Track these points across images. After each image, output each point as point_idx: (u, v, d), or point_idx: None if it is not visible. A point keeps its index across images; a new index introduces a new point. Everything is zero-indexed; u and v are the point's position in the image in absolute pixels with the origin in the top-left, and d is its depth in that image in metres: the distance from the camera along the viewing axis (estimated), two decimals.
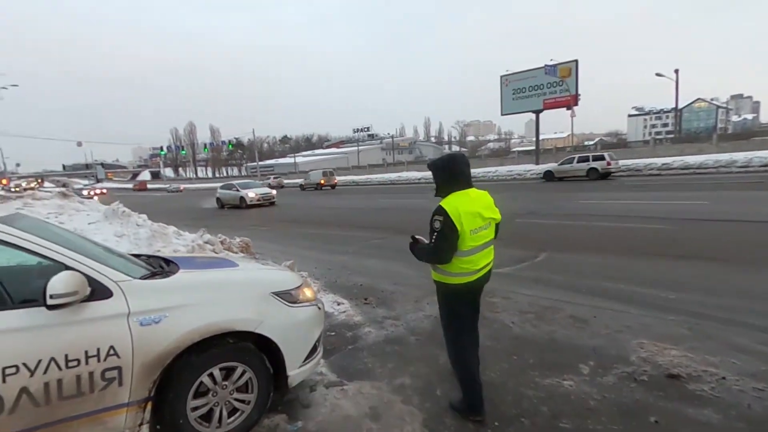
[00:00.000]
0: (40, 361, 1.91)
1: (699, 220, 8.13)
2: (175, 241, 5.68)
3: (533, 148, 37.22)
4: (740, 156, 19.43)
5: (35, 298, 2.00)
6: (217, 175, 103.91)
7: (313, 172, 37.08)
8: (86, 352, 2.01)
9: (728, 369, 2.87)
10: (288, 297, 2.74)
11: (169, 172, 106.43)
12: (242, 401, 2.52)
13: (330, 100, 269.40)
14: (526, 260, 6.11)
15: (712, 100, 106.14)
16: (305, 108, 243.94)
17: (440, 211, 2.44)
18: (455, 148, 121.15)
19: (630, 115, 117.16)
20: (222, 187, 22.32)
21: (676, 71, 31.98)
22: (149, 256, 3.24)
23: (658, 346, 3.24)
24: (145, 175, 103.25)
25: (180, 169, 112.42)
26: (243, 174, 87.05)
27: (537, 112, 29.51)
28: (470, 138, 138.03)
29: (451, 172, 2.58)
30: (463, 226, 2.41)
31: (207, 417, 2.41)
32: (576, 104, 27.64)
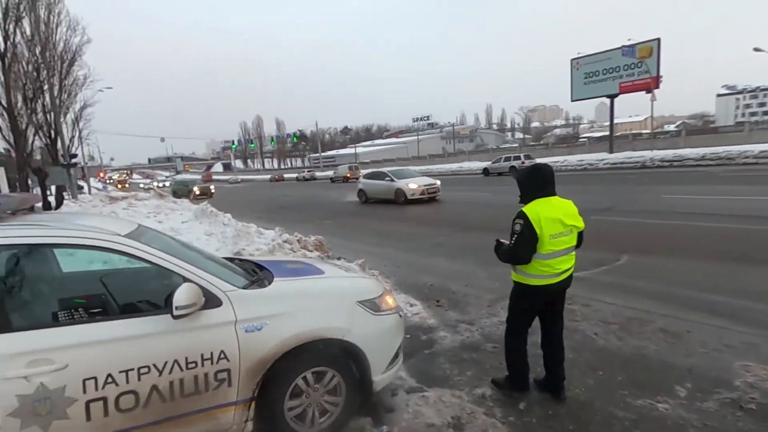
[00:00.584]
0: (166, 363, 2.16)
1: None
2: (257, 240, 6.08)
3: (605, 133, 34.86)
4: None
5: (159, 306, 2.26)
6: (282, 166, 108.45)
7: (341, 166, 44.72)
8: (202, 356, 2.24)
9: None
10: (372, 306, 2.85)
11: (239, 163, 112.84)
12: (332, 403, 2.68)
13: (390, 89, 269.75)
14: (606, 263, 5.81)
15: None
16: (365, 98, 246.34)
17: (521, 215, 2.67)
18: (518, 136, 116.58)
19: (719, 95, 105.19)
20: (368, 176, 17.79)
21: None
22: (242, 260, 3.51)
23: (766, 371, 2.96)
24: (218, 167, 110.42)
25: (248, 160, 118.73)
26: (306, 165, 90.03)
27: (612, 97, 27.51)
28: (535, 124, 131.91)
29: (535, 181, 2.80)
30: (542, 231, 2.62)
31: (301, 417, 2.58)
32: (657, 87, 25.35)
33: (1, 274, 2.06)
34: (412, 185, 15.18)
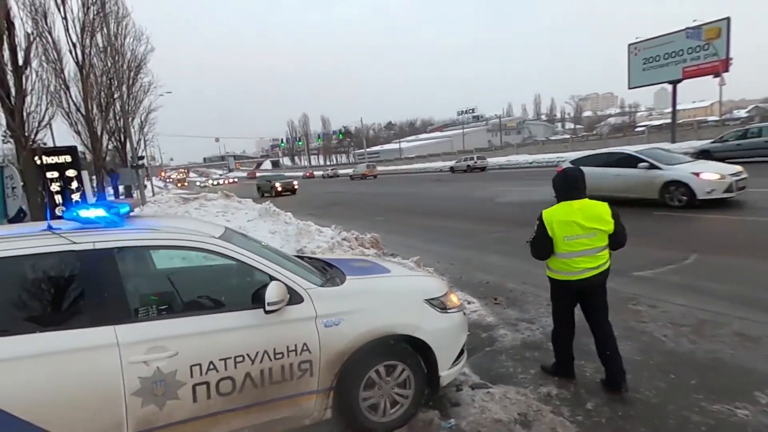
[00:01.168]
0: (257, 353, 2.39)
1: None
2: (317, 238, 6.38)
3: (665, 121, 32.71)
4: None
5: (248, 301, 2.50)
6: (328, 162, 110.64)
7: (359, 165, 48.66)
8: (287, 347, 2.46)
9: None
10: (439, 304, 2.97)
11: (286, 161, 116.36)
12: (402, 395, 2.83)
13: (434, 82, 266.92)
14: (673, 262, 5.57)
15: None
16: (409, 94, 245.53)
17: (539, 217, 3.06)
18: (569, 126, 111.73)
19: None
20: (585, 161, 10.35)
21: None
22: (311, 258, 3.74)
23: None
24: (267, 164, 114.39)
25: (295, 157, 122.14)
26: (351, 161, 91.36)
27: (674, 83, 25.71)
28: (587, 113, 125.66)
29: (563, 184, 3.08)
30: (554, 233, 2.95)
31: (374, 407, 2.75)
32: (726, 70, 23.40)
33: (123, 272, 2.36)
34: (710, 175, 8.70)
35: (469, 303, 4.94)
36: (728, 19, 22.95)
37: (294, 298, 2.53)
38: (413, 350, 2.84)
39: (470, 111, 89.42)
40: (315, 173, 66.90)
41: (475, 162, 33.58)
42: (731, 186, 8.60)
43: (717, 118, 35.94)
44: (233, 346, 2.36)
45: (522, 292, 5.16)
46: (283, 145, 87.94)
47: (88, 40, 16.25)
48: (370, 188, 28.06)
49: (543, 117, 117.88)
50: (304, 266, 3.14)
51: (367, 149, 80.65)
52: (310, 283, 2.67)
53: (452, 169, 35.77)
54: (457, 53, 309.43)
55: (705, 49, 23.88)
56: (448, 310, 3.00)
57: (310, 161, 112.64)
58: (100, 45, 17.68)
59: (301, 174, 62.98)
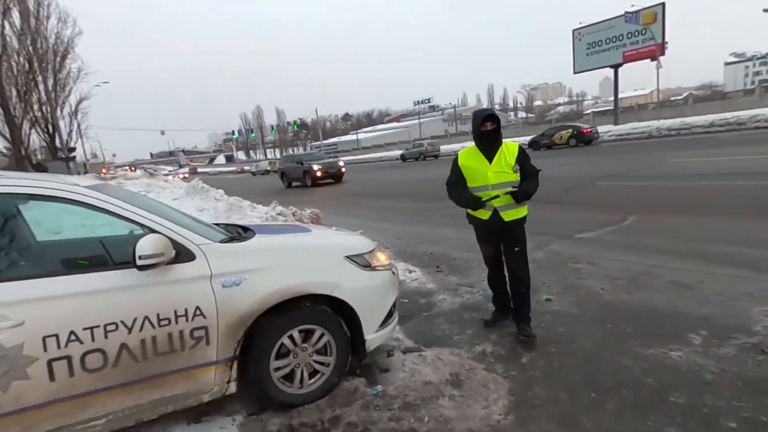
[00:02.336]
0: (135, 319, 2.00)
1: None
2: (250, 213, 5.92)
3: (610, 108, 34.19)
4: None
5: (123, 260, 2.09)
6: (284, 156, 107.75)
7: (261, 162, 51.09)
8: (175, 312, 2.08)
9: None
10: (362, 261, 2.67)
11: (241, 155, 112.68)
12: (322, 363, 2.53)
13: (389, 74, 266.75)
14: (612, 224, 5.58)
15: None
16: (365, 85, 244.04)
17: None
18: (522, 115, 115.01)
19: (727, 63, 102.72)
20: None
21: None
22: (227, 225, 3.34)
23: None
24: (220, 159, 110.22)
25: (251, 151, 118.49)
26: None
27: (616, 67, 26.78)
28: (538, 102, 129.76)
29: None
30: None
31: (289, 377, 2.44)
32: (662, 54, 24.59)
33: None
34: None
35: (410, 272, 4.71)
36: (663, 4, 24.07)
37: (183, 255, 2.15)
38: (333, 312, 2.54)
39: (426, 101, 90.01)
40: (244, 167, 65.74)
41: (427, 149, 32.82)
42: None
43: (655, 103, 37.84)
44: (101, 312, 1.96)
45: (465, 260, 4.99)
46: (235, 137, 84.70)
47: (0, 19, 14.67)
48: None
49: (496, 106, 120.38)
50: (204, 224, 2.77)
51: (325, 141, 79.34)
52: (204, 239, 2.29)
53: (403, 158, 34.16)
54: (413, 45, 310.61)
55: (643, 33, 24.97)
56: (374, 268, 2.72)
57: (265, 154, 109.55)
58: (17, 25, 16.05)
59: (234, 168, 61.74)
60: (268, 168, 42.66)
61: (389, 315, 2.80)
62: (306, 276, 2.44)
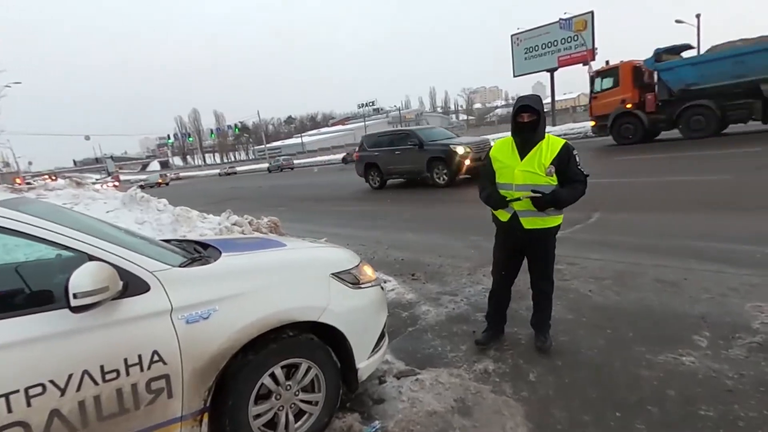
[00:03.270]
0: (71, 376, 1.51)
1: (764, 169, 7.46)
2: (200, 225, 5.28)
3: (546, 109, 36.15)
4: None
5: (56, 299, 1.59)
6: (225, 161, 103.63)
7: (151, 175, 50.25)
8: (126, 361, 1.61)
9: None
10: (350, 278, 2.32)
11: (177, 160, 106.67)
12: (309, 402, 2.14)
13: (333, 77, 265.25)
14: (579, 222, 5.59)
15: None
16: (308, 87, 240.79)
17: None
18: (463, 117, 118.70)
19: None
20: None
21: (698, 16, 30.16)
22: (181, 241, 2.83)
23: None
24: (154, 165, 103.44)
25: (188, 157, 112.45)
26: (251, 158, 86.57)
27: (552, 71, 28.23)
28: (477, 105, 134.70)
29: None
30: None
31: (272, 424, 2.03)
32: (593, 59, 26.19)
33: None
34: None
35: (385, 282, 4.38)
36: (592, 12, 25.71)
37: (133, 286, 1.69)
38: (321, 340, 2.15)
39: (370, 104, 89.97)
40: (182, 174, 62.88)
41: (283, 163, 32.99)
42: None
43: (584, 106, 40.42)
44: (21, 371, 1.45)
45: (440, 265, 4.75)
46: (170, 142, 79.67)
47: None
48: (270, 181, 26.47)
49: (438, 109, 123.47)
50: (157, 243, 2.27)
51: (268, 144, 76.91)
52: (160, 263, 1.82)
53: (344, 160, 33.28)
54: (356, 48, 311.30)
55: (575, 39, 26.51)
56: (362, 285, 2.36)
57: (204, 160, 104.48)
58: None
59: (209, 172, 58.06)
60: (160, 180, 43.61)
61: (381, 337, 2.46)
62: (288, 301, 2.04)
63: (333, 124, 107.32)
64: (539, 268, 2.67)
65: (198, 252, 2.34)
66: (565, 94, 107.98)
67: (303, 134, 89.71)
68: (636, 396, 2.17)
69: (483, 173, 2.73)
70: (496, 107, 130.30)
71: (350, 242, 6.31)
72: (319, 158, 50.82)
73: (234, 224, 5.36)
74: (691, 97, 12.46)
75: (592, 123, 15.14)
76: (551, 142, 2.47)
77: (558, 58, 27.52)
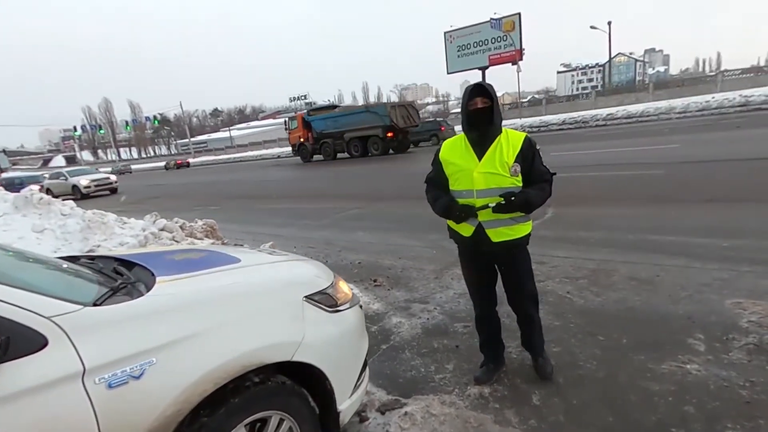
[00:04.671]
0: None
1: (687, 163, 8.00)
2: (119, 232, 4.39)
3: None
4: (678, 102, 20.33)
5: None
6: (143, 156, 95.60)
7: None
8: None
9: None
10: (326, 300, 1.85)
11: (87, 155, 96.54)
12: None
13: (262, 69, 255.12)
14: (535, 219, 5.49)
15: (630, 54, 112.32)
16: (236, 79, 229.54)
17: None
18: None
19: (559, 72, 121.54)
20: None
21: (609, 23, 32.87)
22: (94, 258, 2.16)
23: (761, 305, 2.73)
24: (59, 161, 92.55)
25: (99, 151, 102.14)
26: (173, 153, 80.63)
27: (483, 69, 29.10)
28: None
29: None
30: None
31: None
32: (521, 59, 27.45)
33: None
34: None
35: None
36: (519, 14, 26.84)
37: (18, 341, 1.11)
38: (294, 384, 1.67)
39: (303, 97, 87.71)
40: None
41: (178, 161, 30.97)
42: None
43: (509, 103, 42.39)
44: None
45: (402, 269, 4.39)
46: (77, 134, 71.28)
47: None
48: (198, 177, 24.61)
49: None
50: (59, 268, 1.65)
51: (193, 138, 71.94)
52: (64, 301, 1.25)
53: (166, 167, 32.91)
54: (287, 40, 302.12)
55: (504, 39, 27.52)
56: (340, 307, 1.91)
57: (119, 154, 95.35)
58: None
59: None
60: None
61: (363, 368, 2.03)
62: (254, 339, 1.54)
63: (263, 118, 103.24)
64: (517, 286, 2.27)
65: (120, 275, 1.75)
66: None
67: (231, 128, 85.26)
68: (654, 417, 1.95)
69: (430, 182, 2.31)
70: (427, 104, 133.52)
71: (296, 244, 5.77)
72: (250, 153, 48.48)
73: (162, 230, 4.55)
74: (322, 137, 22.93)
75: (292, 149, 25.78)
76: (511, 137, 2.11)
77: (489, 56, 28.42)
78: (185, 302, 1.49)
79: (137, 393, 1.24)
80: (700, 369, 2.23)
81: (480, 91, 2.05)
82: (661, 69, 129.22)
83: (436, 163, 2.24)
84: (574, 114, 24.11)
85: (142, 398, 1.26)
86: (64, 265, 1.76)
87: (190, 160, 45.51)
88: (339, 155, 23.10)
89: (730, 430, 1.82)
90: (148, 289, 1.52)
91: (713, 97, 19.36)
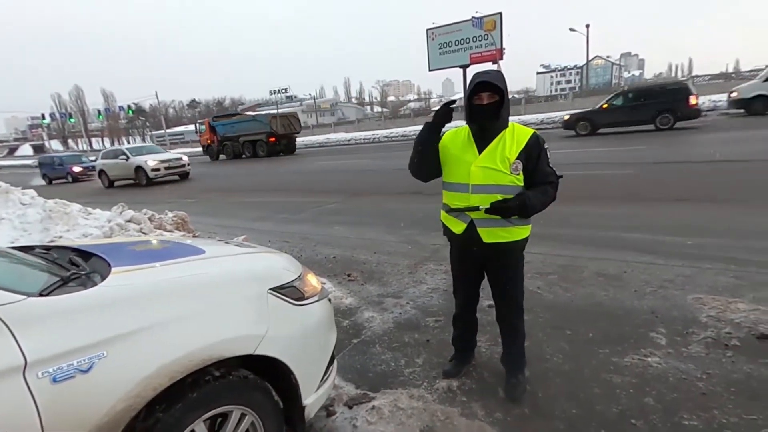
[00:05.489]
0: None
1: (659, 164, 8.22)
2: (83, 222, 4.22)
3: (453, 106, 37.64)
4: None
5: None
6: (117, 145, 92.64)
7: None
8: None
9: None
10: (293, 293, 1.82)
11: (56, 144, 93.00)
12: None
13: (242, 61, 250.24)
14: None
15: (607, 57, 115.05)
16: (214, 70, 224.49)
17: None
18: (377, 109, 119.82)
19: (538, 73, 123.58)
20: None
21: (587, 26, 33.52)
22: (49, 248, 2.07)
23: (719, 301, 2.83)
24: (25, 150, 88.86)
25: (69, 140, 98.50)
26: (147, 143, 78.14)
27: (464, 67, 29.19)
28: (391, 98, 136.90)
29: None
30: None
31: None
32: (501, 58, 27.65)
33: None
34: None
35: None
36: (500, 13, 26.99)
37: None
38: (258, 377, 1.64)
39: (283, 90, 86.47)
40: None
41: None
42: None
43: None
44: None
45: (377, 263, 4.37)
46: (45, 122, 68.42)
47: None
48: None
49: (354, 100, 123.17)
50: (6, 255, 1.57)
51: (168, 129, 70.09)
52: (4, 291, 1.18)
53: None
54: (268, 33, 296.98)
55: (485, 38, 27.68)
56: (308, 300, 1.88)
57: (90, 144, 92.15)
58: None
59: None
60: None
61: (331, 362, 2.01)
62: (214, 332, 1.50)
63: (243, 110, 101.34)
64: (504, 292, 2.15)
65: (75, 265, 1.67)
66: None
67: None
68: (616, 408, 1.99)
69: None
70: (409, 101, 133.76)
71: (271, 239, 5.69)
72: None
73: (129, 221, 4.40)
74: (224, 140, 25.73)
75: (202, 149, 28.54)
76: (517, 132, 1.97)
77: (470, 55, 28.53)
78: (140, 293, 1.43)
79: (85, 387, 1.19)
80: (661, 362, 2.29)
81: (485, 85, 1.88)
82: (637, 73, 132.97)
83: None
84: (552, 114, 24.47)
85: (91, 393, 1.20)
86: (13, 254, 1.67)
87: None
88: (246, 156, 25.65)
89: (687, 421, 1.87)
90: (102, 279, 1.46)
91: None
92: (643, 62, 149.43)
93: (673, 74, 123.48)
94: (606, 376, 2.23)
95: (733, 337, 2.43)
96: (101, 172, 16.51)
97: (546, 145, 1.98)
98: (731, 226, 4.24)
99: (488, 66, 28.76)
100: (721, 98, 18.54)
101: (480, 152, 1.95)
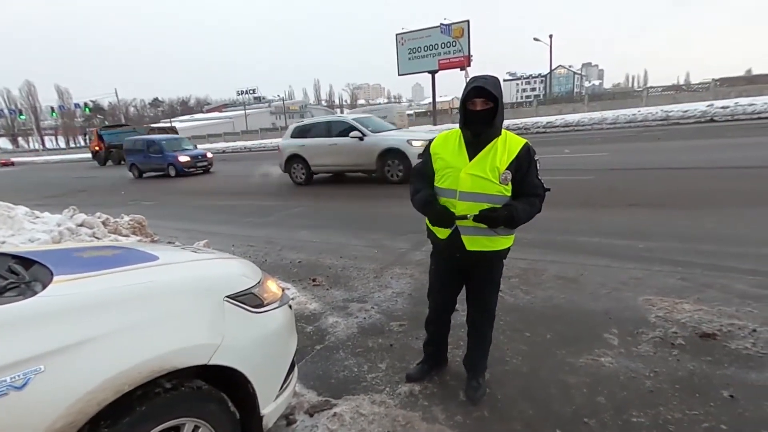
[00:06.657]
0: None
1: (616, 170, 8.55)
2: (29, 227, 3.96)
3: (421, 110, 37.97)
4: (609, 114, 21.83)
5: None
6: (72, 146, 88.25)
7: None
8: None
9: (751, 318, 2.68)
10: (251, 300, 1.78)
11: (4, 142, 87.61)
12: None
13: (208, 61, 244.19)
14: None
15: (569, 67, 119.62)
16: (178, 69, 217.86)
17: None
18: (347, 112, 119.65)
19: (504, 80, 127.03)
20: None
21: (551, 36, 34.75)
22: None
23: (667, 302, 2.97)
24: None
25: (20, 139, 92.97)
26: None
27: (432, 73, 29.61)
28: (361, 101, 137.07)
29: None
30: None
31: None
32: (469, 65, 28.23)
33: None
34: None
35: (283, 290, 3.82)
36: (468, 21, 27.60)
37: None
38: (212, 388, 1.59)
39: (251, 91, 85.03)
40: None
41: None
42: None
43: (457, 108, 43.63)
44: None
45: (342, 267, 4.35)
46: None
47: None
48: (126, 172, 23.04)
49: (323, 102, 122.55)
50: None
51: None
52: None
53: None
54: (235, 32, 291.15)
55: (453, 45, 28.19)
56: (266, 307, 1.84)
57: (43, 143, 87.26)
58: None
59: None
60: None
61: (291, 369, 1.98)
62: (165, 342, 1.44)
63: (208, 111, 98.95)
64: (479, 299, 2.19)
65: (15, 273, 1.58)
66: (441, 96, 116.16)
67: (173, 119, 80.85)
68: (570, 408, 2.06)
69: (417, 173, 2.15)
70: (379, 104, 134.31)
71: (235, 243, 5.56)
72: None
73: (81, 225, 4.17)
74: (110, 147, 28.18)
75: (91, 155, 31.31)
76: (509, 141, 1.97)
77: (438, 61, 28.97)
78: (84, 303, 1.37)
79: (19, 405, 1.12)
80: (613, 362, 2.39)
81: (480, 91, 1.86)
82: (596, 82, 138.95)
83: (426, 155, 2.11)
84: (517, 120, 25.15)
85: (26, 410, 1.14)
86: None
87: None
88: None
89: (635, 418, 1.96)
90: (42, 289, 1.38)
91: (639, 111, 20.99)
92: (602, 72, 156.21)
93: (630, 84, 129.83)
94: (562, 376, 2.31)
95: (678, 336, 2.57)
96: (133, 165, 17.74)
97: (536, 157, 2.00)
98: (678, 230, 4.48)
99: (456, 72, 29.37)
100: (673, 108, 19.61)
101: (471, 159, 1.94)
